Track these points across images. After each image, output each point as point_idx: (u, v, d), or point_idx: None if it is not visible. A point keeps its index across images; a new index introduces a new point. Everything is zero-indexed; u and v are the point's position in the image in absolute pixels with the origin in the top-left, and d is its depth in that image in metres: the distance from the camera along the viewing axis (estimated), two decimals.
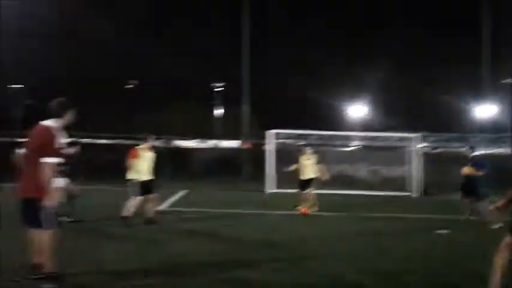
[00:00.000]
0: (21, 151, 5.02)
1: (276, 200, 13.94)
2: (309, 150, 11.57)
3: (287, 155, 21.98)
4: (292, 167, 11.70)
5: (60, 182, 8.37)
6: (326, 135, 20.18)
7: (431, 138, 37.20)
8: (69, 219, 8.57)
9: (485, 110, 34.21)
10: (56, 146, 4.60)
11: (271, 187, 16.57)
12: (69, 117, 4.83)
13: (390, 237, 8.32)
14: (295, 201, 11.50)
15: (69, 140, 9.63)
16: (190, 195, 14.77)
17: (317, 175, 11.31)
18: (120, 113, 39.94)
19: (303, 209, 11.06)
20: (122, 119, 38.14)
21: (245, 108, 22.97)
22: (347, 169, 23.39)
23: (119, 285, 4.98)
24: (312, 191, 11.31)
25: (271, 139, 17.10)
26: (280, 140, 17.86)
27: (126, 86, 45.31)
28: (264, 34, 35.77)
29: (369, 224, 9.99)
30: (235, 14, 24.46)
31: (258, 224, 9.51)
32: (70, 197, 8.74)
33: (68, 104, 4.87)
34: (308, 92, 40.55)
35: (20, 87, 40.60)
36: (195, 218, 10.13)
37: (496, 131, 35.16)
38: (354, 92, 43.70)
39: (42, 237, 4.62)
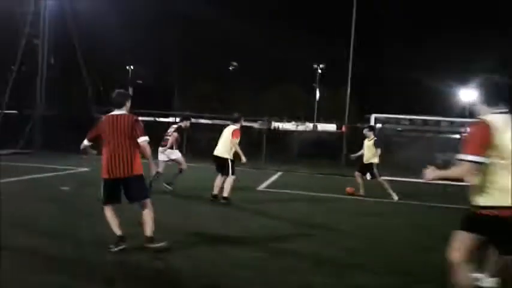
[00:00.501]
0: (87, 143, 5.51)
1: (371, 186, 13.47)
2: (367, 132, 10.97)
3: (388, 141, 21.33)
4: (358, 153, 11.14)
5: (169, 155, 9.49)
6: (429, 120, 18.96)
7: None
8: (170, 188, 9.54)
9: None
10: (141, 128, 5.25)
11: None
12: (128, 105, 5.35)
13: None
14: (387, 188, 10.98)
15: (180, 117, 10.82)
16: (286, 177, 14.83)
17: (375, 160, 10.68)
18: (220, 93, 41.32)
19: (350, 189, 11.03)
20: (222, 100, 39.43)
21: (347, 91, 22.39)
22: (453, 158, 21.93)
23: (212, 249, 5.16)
24: (379, 178, 10.73)
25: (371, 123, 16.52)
26: (379, 125, 17.18)
27: (229, 68, 46.64)
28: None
29: None
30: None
31: (345, 209, 9.25)
32: (179, 169, 9.82)
33: (127, 95, 5.48)
34: (413, 74, 38.51)
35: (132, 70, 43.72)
36: (287, 198, 10.19)
37: None
38: (465, 75, 40.66)
39: (148, 209, 5.24)
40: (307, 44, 39.52)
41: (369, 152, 10.71)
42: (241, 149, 8.81)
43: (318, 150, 22.76)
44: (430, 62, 40.36)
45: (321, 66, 40.24)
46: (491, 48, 36.69)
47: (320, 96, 42.64)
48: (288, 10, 40.53)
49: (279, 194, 10.95)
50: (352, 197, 10.82)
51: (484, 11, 39.05)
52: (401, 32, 40.95)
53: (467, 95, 41.13)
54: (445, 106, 40.35)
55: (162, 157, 9.65)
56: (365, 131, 11.08)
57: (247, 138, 20.02)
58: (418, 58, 40.07)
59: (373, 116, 16.19)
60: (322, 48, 37.80)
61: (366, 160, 10.79)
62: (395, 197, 10.59)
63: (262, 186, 11.95)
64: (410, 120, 17.97)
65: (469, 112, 37.47)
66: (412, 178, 15.51)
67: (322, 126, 35.96)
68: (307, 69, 41.35)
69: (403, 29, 40.77)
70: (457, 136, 29.28)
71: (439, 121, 21.07)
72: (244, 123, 24.68)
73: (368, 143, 10.79)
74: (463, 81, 40.42)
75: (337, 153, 23.22)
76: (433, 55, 40.61)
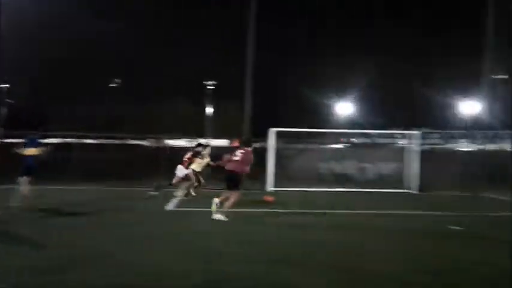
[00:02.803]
0: None
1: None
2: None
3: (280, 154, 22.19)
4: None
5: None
6: (325, 133, 20.25)
7: (427, 135, 37.65)
8: None
9: (474, 106, 34.56)
10: None
11: (271, 185, 16.58)
12: None
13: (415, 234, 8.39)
14: (298, 199, 11.45)
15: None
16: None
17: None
18: (105, 111, 39.59)
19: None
20: (108, 119, 37.76)
21: (246, 107, 22.84)
22: (338, 166, 23.51)
23: None
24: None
25: (272, 137, 17.14)
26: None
27: (111, 85, 44.77)
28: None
29: (385, 220, 10.03)
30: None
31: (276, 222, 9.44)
32: None
33: None
34: (298, 89, 40.63)
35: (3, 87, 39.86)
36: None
37: (491, 127, 35.70)
38: (342, 89, 43.96)
39: None
40: (198, 60, 39.59)
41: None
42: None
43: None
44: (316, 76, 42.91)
45: (211, 82, 40.53)
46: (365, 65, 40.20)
47: (213, 112, 42.95)
48: (176, 22, 40.20)
49: (192, 213, 10.75)
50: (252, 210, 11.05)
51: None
52: (296, 46, 43.09)
53: (344, 108, 44.61)
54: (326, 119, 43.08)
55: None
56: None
57: (139, 158, 19.49)
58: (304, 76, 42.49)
59: (272, 131, 16.71)
60: (214, 63, 38.19)
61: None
62: None
63: (170, 207, 11.61)
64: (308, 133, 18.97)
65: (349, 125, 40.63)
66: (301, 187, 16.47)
67: (215, 142, 36.09)
68: (197, 85, 41.34)
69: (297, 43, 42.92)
70: (337, 146, 31.66)
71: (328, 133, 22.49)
72: (134, 142, 23.87)
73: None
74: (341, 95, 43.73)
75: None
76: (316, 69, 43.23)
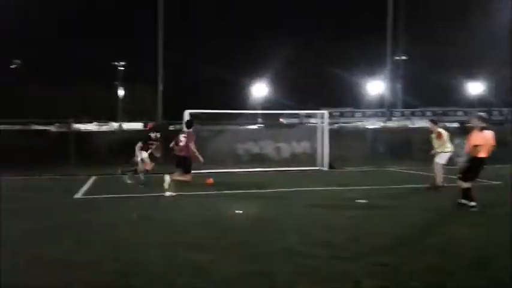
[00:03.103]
0: None
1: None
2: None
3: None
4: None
5: None
6: (238, 114, 20.32)
7: (335, 114, 39.27)
8: None
9: (379, 86, 36.55)
10: None
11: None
12: None
13: (324, 209, 8.73)
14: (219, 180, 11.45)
15: None
16: (101, 182, 14.05)
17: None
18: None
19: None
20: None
21: (159, 88, 22.21)
22: (255, 147, 23.89)
23: None
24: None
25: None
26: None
27: (11, 66, 41.51)
28: None
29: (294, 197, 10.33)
30: None
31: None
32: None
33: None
34: (210, 71, 40.37)
35: None
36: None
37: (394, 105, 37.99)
38: (256, 71, 44.47)
39: None
40: (107, 41, 37.74)
41: None
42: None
43: (129, 150, 22.08)
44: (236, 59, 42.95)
45: (122, 63, 38.81)
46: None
47: (124, 95, 41.29)
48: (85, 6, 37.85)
49: (102, 200, 10.34)
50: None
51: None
52: (214, 29, 42.51)
53: (260, 90, 45.17)
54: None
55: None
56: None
57: (45, 143, 18.28)
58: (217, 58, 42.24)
59: (186, 112, 16.44)
60: (124, 44, 36.64)
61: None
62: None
63: (79, 194, 11.08)
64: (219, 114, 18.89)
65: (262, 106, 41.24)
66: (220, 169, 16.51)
67: (127, 126, 34.84)
68: (107, 66, 39.48)
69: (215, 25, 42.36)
70: (253, 127, 32.10)
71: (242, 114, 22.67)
72: (39, 127, 22.23)
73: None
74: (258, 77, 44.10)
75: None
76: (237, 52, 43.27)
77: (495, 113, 43.69)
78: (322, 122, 18.36)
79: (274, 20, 43.86)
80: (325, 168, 17.40)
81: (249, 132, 28.53)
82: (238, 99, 44.12)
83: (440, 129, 11.58)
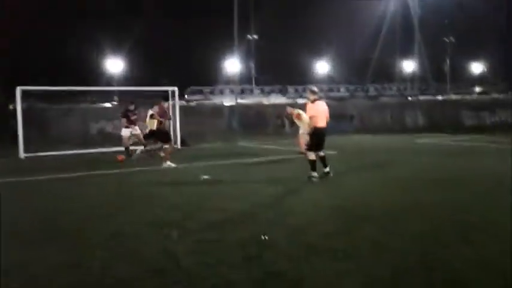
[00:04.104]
0: None
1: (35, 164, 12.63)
2: None
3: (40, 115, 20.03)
4: None
5: None
6: (79, 91, 18.87)
7: (188, 90, 38.98)
8: None
9: (234, 64, 37.19)
10: None
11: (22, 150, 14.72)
12: None
13: (164, 187, 8.45)
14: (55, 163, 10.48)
15: None
16: None
17: None
18: None
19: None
20: None
21: None
22: (107, 126, 22.66)
23: None
24: None
25: (19, 96, 14.98)
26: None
27: None
28: None
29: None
30: None
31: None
32: None
33: None
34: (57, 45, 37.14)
35: None
36: None
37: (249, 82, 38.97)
38: (112, 47, 42.19)
39: None
40: None
41: None
42: None
43: None
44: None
45: None
46: None
47: None
48: None
49: None
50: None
51: None
52: None
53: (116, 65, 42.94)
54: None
55: None
56: None
57: None
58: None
59: (18, 89, 14.73)
60: None
61: None
62: None
63: None
64: (61, 91, 17.32)
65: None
66: (68, 151, 15.30)
67: None
68: None
69: None
70: (108, 105, 30.41)
71: (88, 91, 21.18)
72: None
73: None
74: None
75: None
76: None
77: (342, 89, 47.84)
78: (173, 100, 17.96)
79: None
80: (177, 146, 17.15)
81: (103, 110, 27.01)
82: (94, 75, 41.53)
83: (298, 111, 12.53)
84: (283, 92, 44.94)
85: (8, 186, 9.03)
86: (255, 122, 23.61)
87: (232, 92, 34.87)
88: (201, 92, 41.37)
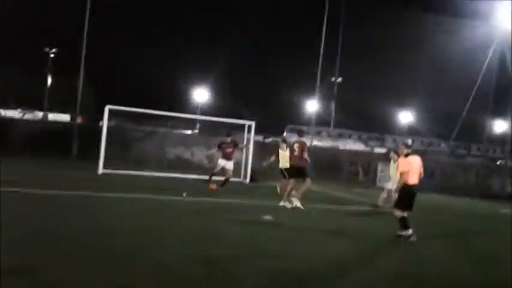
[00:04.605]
0: None
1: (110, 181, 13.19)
2: None
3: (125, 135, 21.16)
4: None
5: None
6: (164, 115, 19.65)
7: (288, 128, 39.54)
8: None
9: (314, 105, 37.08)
10: None
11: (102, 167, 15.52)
12: None
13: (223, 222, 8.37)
14: (128, 182, 10.84)
15: None
16: (10, 170, 12.95)
17: None
18: None
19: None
20: None
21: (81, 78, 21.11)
22: (185, 152, 23.39)
23: None
24: None
25: (107, 115, 15.91)
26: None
27: None
28: None
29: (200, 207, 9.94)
30: None
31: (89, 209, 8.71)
32: None
33: None
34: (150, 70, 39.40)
35: None
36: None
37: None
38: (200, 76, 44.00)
39: None
40: (36, 24, 35.57)
41: None
42: None
43: (49, 141, 20.90)
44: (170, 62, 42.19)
45: (53, 50, 36.70)
46: None
47: (53, 83, 39.10)
48: None
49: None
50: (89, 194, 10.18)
51: None
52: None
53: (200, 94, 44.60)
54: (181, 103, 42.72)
55: None
56: None
57: None
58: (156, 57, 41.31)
59: (106, 108, 15.66)
60: (55, 29, 34.68)
61: None
62: None
63: None
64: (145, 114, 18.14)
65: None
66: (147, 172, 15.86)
67: (54, 116, 33.02)
68: (35, 52, 37.22)
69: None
70: (188, 132, 31.52)
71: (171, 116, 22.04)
72: None
73: None
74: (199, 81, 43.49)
75: (68, 146, 21.82)
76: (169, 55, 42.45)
77: (442, 144, 45.80)
78: (250, 134, 18.08)
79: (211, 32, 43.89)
80: (247, 181, 17.16)
81: (182, 136, 28.03)
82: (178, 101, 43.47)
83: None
84: (363, 139, 44.08)
85: (66, 199, 9.40)
86: (328, 166, 23.19)
87: (307, 133, 34.75)
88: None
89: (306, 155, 10.96)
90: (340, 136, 43.15)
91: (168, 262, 5.40)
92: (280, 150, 12.65)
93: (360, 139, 44.17)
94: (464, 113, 37.54)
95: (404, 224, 8.08)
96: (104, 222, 7.50)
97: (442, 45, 43.35)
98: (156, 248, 6.02)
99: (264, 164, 13.78)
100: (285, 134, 32.35)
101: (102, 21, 25.85)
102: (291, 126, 39.31)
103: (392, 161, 11.99)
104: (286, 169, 11.48)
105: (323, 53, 26.92)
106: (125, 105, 16.39)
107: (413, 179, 8.14)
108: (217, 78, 43.25)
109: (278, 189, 12.85)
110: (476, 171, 24.49)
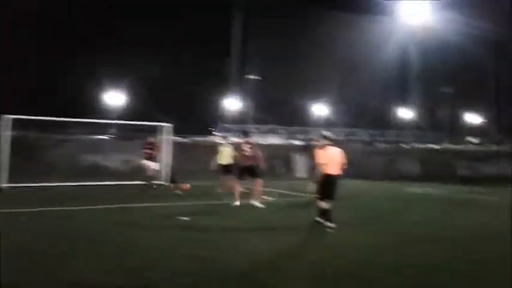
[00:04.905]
0: None
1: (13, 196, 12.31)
2: None
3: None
4: None
5: None
6: (72, 122, 18.71)
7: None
8: None
9: (232, 103, 37.42)
10: None
11: (6, 180, 14.40)
12: None
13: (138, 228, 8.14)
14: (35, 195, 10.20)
15: None
16: None
17: None
18: None
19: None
20: None
21: None
22: (100, 159, 22.47)
23: None
24: None
25: (6, 125, 14.79)
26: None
27: None
28: None
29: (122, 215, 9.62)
30: None
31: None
32: None
33: None
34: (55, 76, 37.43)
35: None
36: None
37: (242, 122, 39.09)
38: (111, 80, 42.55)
39: None
40: None
41: None
42: None
43: None
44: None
45: None
46: None
47: None
48: None
49: None
50: None
51: None
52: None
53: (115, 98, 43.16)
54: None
55: None
56: None
57: None
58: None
59: (5, 117, 14.57)
60: None
61: None
62: None
63: None
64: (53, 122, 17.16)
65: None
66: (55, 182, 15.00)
67: None
68: None
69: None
70: (105, 137, 30.29)
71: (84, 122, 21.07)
72: None
73: None
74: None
75: None
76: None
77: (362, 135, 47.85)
78: (167, 136, 17.78)
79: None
80: (167, 183, 16.85)
81: (93, 143, 26.81)
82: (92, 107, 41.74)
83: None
84: (282, 133, 45.08)
85: None
86: None
87: (228, 130, 34.89)
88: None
89: (259, 155, 11.21)
90: (260, 132, 43.81)
91: (81, 277, 5.16)
92: (220, 148, 13.30)
93: (278, 133, 45.14)
94: (373, 103, 39.84)
95: (326, 215, 8.22)
96: (11, 239, 7.01)
97: (351, 41, 45.69)
98: (68, 261, 5.72)
99: (212, 166, 14.22)
100: (219, 133, 32.43)
101: None
102: (225, 125, 39.42)
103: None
104: (239, 169, 11.51)
105: (240, 52, 27.09)
106: (33, 114, 15.46)
107: (333, 170, 8.28)
108: (133, 82, 42.07)
109: (219, 189, 13.51)
110: (387, 156, 25.99)
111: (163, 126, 16.80)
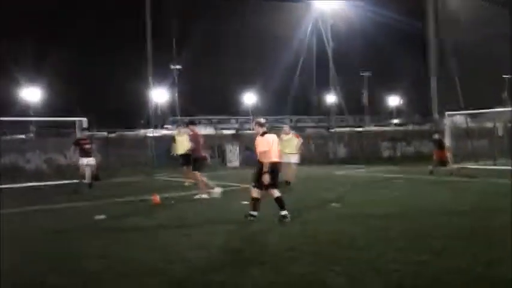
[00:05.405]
0: None
1: None
2: None
3: None
4: None
5: None
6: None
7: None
8: None
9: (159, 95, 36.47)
10: None
11: None
12: None
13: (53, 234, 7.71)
14: None
15: None
16: None
17: None
18: None
19: None
20: None
21: None
22: (18, 159, 21.09)
23: None
24: None
25: None
26: None
27: None
28: None
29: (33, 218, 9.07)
30: None
31: None
32: None
33: None
34: None
35: None
36: None
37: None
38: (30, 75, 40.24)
39: None
40: None
41: None
42: None
43: None
44: None
45: None
46: None
47: None
48: None
49: None
50: None
51: None
52: None
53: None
54: None
55: None
56: None
57: None
58: None
59: None
60: None
61: None
62: None
63: None
64: None
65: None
66: None
67: None
68: None
69: None
70: (22, 136, 28.39)
71: None
72: None
73: None
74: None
75: None
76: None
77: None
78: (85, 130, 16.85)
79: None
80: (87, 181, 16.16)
81: (14, 142, 25.08)
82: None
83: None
84: (212, 123, 44.84)
85: None
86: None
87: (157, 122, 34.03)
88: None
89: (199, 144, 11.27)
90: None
91: None
92: (176, 137, 13.82)
93: (209, 123, 44.78)
94: (294, 90, 40.60)
95: (279, 203, 7.95)
96: None
97: (269, 28, 46.34)
98: None
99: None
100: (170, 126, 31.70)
101: None
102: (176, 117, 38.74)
103: (282, 137, 12.83)
104: (193, 160, 11.32)
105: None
106: None
107: (276, 157, 8.06)
108: (50, 77, 39.89)
109: (186, 182, 13.63)
110: (314, 141, 26.63)
111: (79, 120, 15.94)
